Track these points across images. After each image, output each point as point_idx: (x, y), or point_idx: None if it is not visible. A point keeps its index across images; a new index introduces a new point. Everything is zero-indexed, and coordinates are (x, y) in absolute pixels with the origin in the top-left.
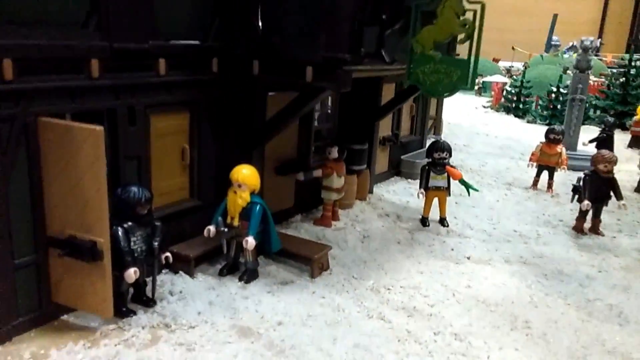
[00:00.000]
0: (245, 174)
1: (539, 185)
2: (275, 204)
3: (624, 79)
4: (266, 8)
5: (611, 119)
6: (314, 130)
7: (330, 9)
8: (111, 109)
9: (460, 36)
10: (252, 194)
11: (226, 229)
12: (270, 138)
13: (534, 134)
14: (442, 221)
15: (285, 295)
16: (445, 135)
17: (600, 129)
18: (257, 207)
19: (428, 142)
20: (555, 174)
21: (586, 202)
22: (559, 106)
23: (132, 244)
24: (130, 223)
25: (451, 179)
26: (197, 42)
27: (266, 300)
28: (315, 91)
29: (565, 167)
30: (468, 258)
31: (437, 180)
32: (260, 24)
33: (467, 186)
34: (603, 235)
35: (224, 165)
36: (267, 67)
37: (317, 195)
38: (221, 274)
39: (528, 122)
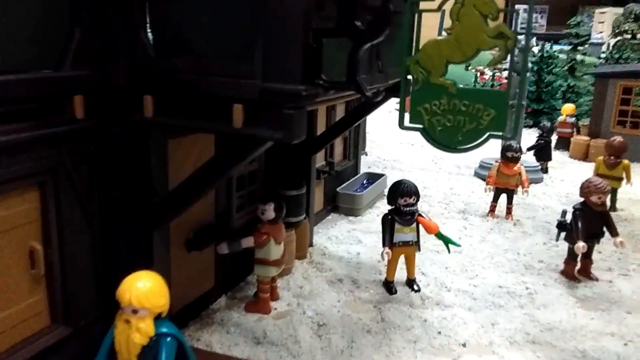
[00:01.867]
0: (143, 291)
1: (496, 210)
2: (189, 291)
3: (535, 75)
4: (162, 13)
5: (548, 124)
6: (235, 177)
7: (270, 9)
8: None
9: (492, 52)
10: (157, 319)
11: None
12: (179, 212)
13: None
14: (411, 283)
15: None
16: (370, 150)
17: (537, 136)
18: (167, 343)
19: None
20: (515, 197)
21: (581, 243)
22: None
23: None
24: None
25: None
26: (44, 72)
27: None
28: (248, 142)
29: (528, 190)
30: (464, 345)
31: (404, 234)
32: (151, 38)
33: (447, 241)
34: (597, 279)
35: (107, 262)
36: (166, 106)
37: (244, 262)
38: None
39: None
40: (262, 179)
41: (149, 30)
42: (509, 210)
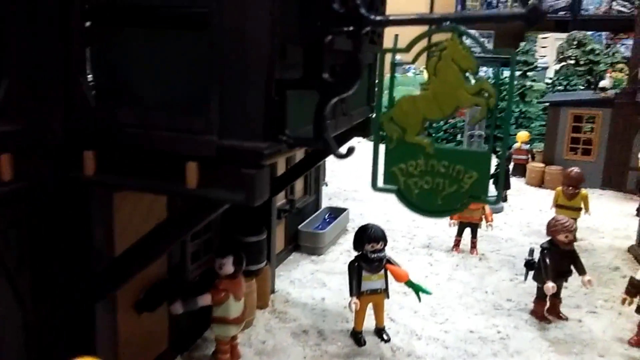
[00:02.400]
0: None
1: (461, 245)
2: (140, 357)
3: None
4: (104, 59)
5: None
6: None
7: (228, 57)
8: None
9: (473, 111)
10: None
11: None
12: (125, 281)
13: None
14: (380, 333)
15: None
16: (330, 180)
17: (496, 164)
18: None
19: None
20: (479, 230)
21: (551, 284)
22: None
23: None
24: None
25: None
26: None
27: None
28: (205, 204)
29: (492, 224)
30: None
31: (372, 282)
32: (93, 88)
33: (417, 289)
34: (566, 318)
35: (42, 343)
36: (110, 163)
37: (201, 317)
38: None
39: None
40: (219, 225)
41: (89, 78)
42: (473, 245)
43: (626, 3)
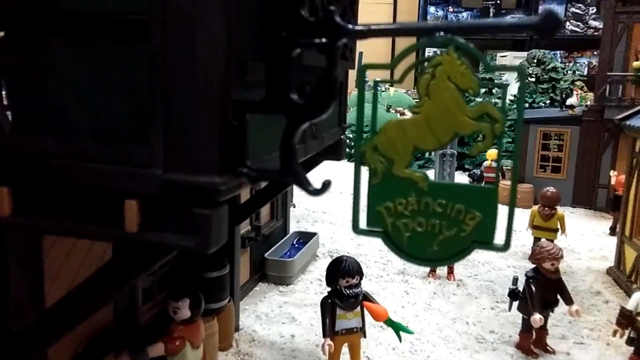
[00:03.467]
0: None
1: (437, 270)
2: None
3: None
4: (24, 79)
5: (477, 171)
6: None
7: (173, 77)
8: None
9: (476, 141)
10: None
11: None
12: (55, 340)
13: None
14: None
15: None
16: (298, 201)
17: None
18: None
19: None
20: None
21: (538, 316)
22: None
23: None
24: None
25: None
26: None
27: None
28: (150, 250)
29: None
30: None
31: (347, 320)
32: (9, 113)
33: (398, 329)
34: (554, 351)
35: None
36: (31, 202)
37: None
38: None
39: None
40: (176, 259)
41: (4, 101)
42: (450, 270)
43: (579, 23)
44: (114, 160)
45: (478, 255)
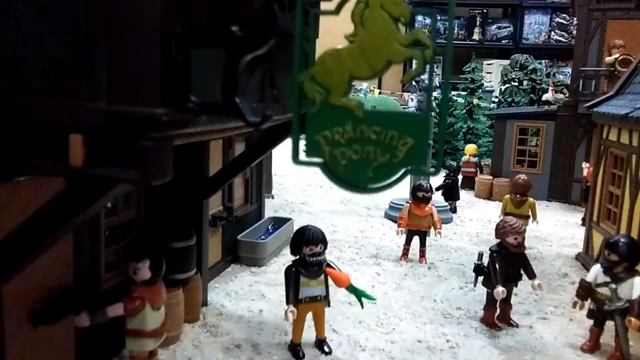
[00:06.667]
0: None
1: (409, 254)
2: None
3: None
4: None
5: (454, 164)
6: (105, 228)
7: (116, 8)
8: None
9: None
10: None
11: None
12: (8, 276)
13: None
14: (321, 345)
15: None
16: (277, 193)
17: (444, 175)
18: None
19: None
20: (427, 238)
21: (501, 288)
22: None
23: None
24: None
25: (333, 284)
26: None
27: None
28: (94, 184)
29: (441, 232)
30: None
31: (310, 288)
32: None
33: (360, 295)
34: (517, 325)
35: None
36: None
37: (115, 333)
38: None
39: None
40: (142, 229)
41: None
42: (422, 253)
43: (564, 33)
44: (58, 94)
45: (451, 242)
